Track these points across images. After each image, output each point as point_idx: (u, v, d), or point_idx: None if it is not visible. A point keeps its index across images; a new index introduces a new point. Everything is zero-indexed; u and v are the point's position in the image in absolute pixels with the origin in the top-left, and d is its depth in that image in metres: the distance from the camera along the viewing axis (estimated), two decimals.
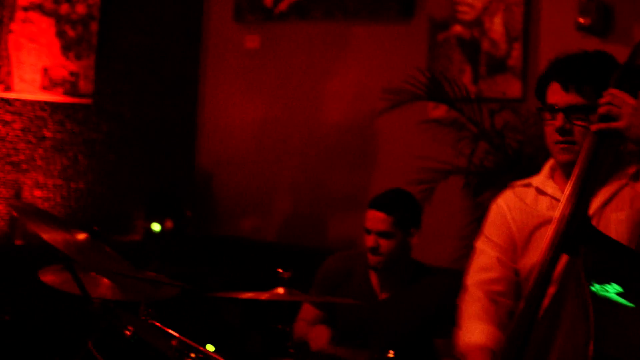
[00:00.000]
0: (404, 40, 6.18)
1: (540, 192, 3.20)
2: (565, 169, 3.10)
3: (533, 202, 3.21)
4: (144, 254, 5.87)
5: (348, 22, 6.41)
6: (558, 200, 3.03)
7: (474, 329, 3.18)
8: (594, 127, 2.85)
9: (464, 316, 3.25)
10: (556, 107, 3.06)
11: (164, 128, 6.91)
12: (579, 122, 3.02)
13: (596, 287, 2.65)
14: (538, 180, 3.23)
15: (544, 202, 3.18)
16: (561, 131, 3.03)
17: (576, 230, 2.79)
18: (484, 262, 3.26)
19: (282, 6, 6.66)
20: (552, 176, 3.20)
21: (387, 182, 4.82)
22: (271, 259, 5.90)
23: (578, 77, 3.04)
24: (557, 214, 2.84)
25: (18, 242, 5.91)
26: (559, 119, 3.04)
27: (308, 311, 4.35)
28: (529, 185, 3.26)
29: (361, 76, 6.34)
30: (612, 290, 2.67)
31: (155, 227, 6.37)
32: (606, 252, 2.78)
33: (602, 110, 2.84)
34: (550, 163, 3.23)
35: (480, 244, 3.31)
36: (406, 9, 6.15)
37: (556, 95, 3.08)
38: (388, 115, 5.56)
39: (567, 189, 2.85)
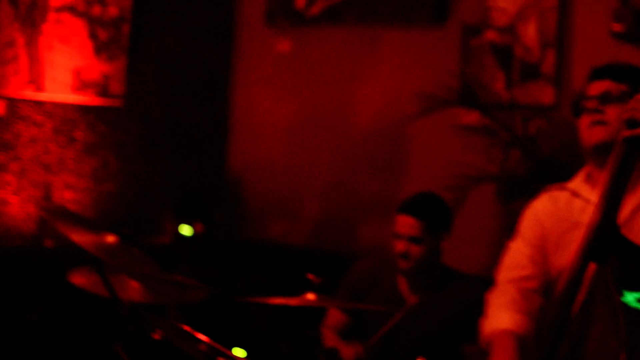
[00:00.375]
0: (436, 45, 6.15)
1: (574, 194, 3.21)
2: (597, 158, 3.10)
3: (566, 205, 3.22)
4: (173, 257, 5.87)
5: (380, 27, 6.38)
6: (592, 203, 3.02)
7: (502, 316, 3.17)
8: (619, 137, 2.85)
9: (492, 306, 3.24)
10: (591, 96, 3.10)
11: (194, 131, 6.90)
12: (613, 104, 3.04)
13: (626, 298, 2.63)
14: (573, 183, 3.24)
15: (577, 205, 3.19)
16: (593, 111, 3.06)
17: (605, 239, 2.78)
18: (517, 260, 3.27)
19: (314, 10, 6.64)
20: (587, 180, 3.20)
21: (418, 187, 4.80)
22: (300, 263, 5.88)
23: (612, 69, 3.12)
24: (587, 221, 2.84)
25: (48, 244, 5.92)
26: (593, 103, 3.06)
27: (334, 317, 4.32)
28: (563, 188, 3.26)
29: (393, 81, 6.32)
30: None
31: (185, 230, 6.36)
32: (635, 261, 2.76)
33: (625, 115, 2.84)
34: (586, 168, 3.22)
35: (513, 243, 3.32)
36: (439, 14, 6.11)
37: (592, 89, 3.11)
38: (419, 120, 5.53)
39: (597, 197, 2.84)
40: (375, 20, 6.38)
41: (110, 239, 3.69)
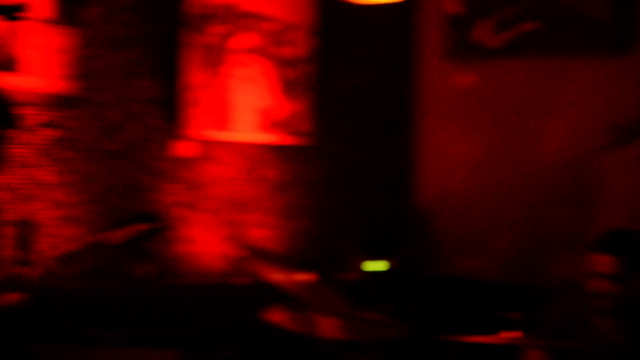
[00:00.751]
0: (621, 74, 6.05)
1: None
2: None
3: None
4: (364, 293, 5.87)
5: (564, 57, 6.30)
6: None
7: None
8: None
9: None
10: None
11: (381, 167, 6.93)
12: None
13: None
14: None
15: None
16: None
17: None
18: None
19: (496, 43, 6.61)
20: None
21: (610, 220, 4.70)
22: (492, 299, 5.81)
23: None
24: None
25: (243, 281, 5.98)
26: None
27: (536, 358, 4.21)
28: None
29: (579, 112, 6.22)
30: None
31: (376, 266, 6.38)
32: None
33: None
34: None
35: None
36: (622, 43, 6.02)
37: None
38: (608, 151, 5.44)
39: None
40: (558, 51, 6.31)
41: (304, 276, 3.73)
